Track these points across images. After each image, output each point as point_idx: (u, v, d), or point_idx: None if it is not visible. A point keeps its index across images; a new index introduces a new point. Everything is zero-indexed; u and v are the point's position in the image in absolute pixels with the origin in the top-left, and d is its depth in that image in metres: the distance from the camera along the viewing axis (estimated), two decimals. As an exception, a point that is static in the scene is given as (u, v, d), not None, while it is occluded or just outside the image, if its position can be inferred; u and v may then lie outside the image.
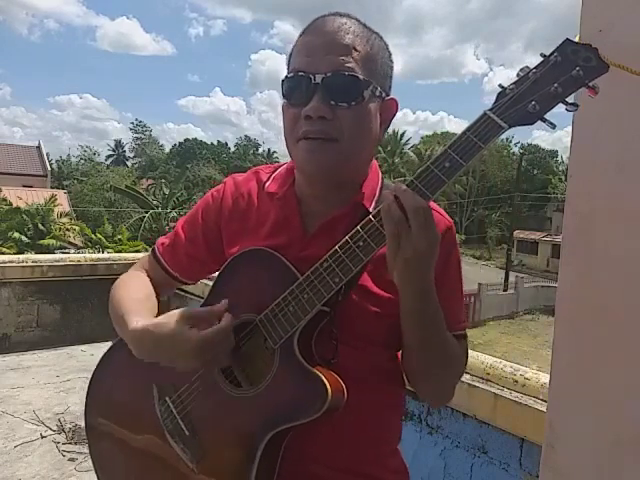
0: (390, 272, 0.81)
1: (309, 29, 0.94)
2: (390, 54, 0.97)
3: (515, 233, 31.60)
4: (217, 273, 1.02)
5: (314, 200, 0.99)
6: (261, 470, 0.87)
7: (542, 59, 0.76)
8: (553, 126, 0.76)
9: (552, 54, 0.75)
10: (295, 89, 0.91)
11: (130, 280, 1.11)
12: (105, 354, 1.14)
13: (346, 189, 0.97)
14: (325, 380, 0.84)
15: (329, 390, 0.84)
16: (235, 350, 0.93)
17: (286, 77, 0.93)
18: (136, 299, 1.04)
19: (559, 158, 48.15)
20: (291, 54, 0.96)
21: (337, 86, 0.88)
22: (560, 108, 0.76)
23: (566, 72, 0.73)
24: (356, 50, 0.90)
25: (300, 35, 0.95)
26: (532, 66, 0.76)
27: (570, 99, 0.75)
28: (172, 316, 0.90)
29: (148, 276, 1.14)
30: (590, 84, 0.73)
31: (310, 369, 0.86)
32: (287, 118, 0.94)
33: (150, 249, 1.17)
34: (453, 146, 0.77)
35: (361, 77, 0.89)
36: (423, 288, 0.83)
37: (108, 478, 1.12)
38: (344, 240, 0.84)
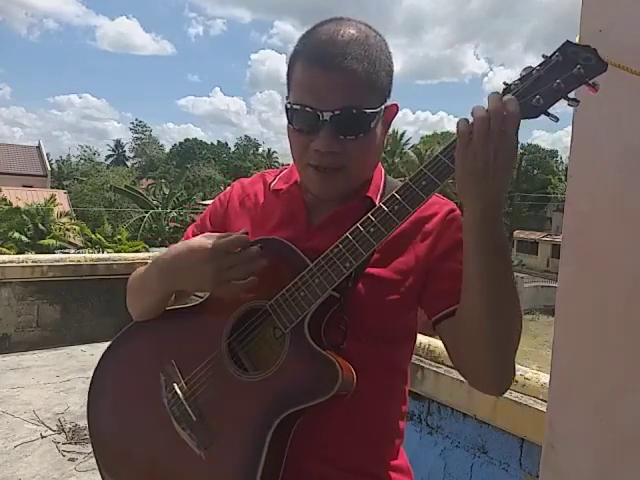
0: (456, 181, 0.80)
1: (309, 57, 0.90)
2: (390, 54, 0.97)
3: (515, 233, 31.64)
4: None
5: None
6: (270, 455, 0.87)
7: (544, 59, 0.79)
8: (556, 119, 0.78)
9: (554, 54, 0.78)
10: (302, 121, 0.91)
11: None
12: (108, 348, 1.15)
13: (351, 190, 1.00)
14: (335, 361, 0.86)
15: (340, 371, 0.85)
16: (243, 336, 0.94)
17: (292, 107, 0.91)
18: None
19: (559, 158, 48.15)
20: (290, 76, 0.94)
21: (345, 123, 0.89)
22: (562, 109, 0.79)
23: (567, 70, 0.76)
24: (360, 78, 0.88)
25: (301, 59, 0.91)
26: (534, 65, 0.79)
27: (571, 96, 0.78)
28: (191, 239, 0.96)
29: None
30: (590, 82, 0.76)
31: (321, 351, 0.87)
32: (294, 142, 0.95)
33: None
34: None
35: (368, 111, 0.89)
36: (487, 202, 0.78)
37: (113, 471, 1.11)
38: (354, 227, 0.87)
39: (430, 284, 0.96)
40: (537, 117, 0.78)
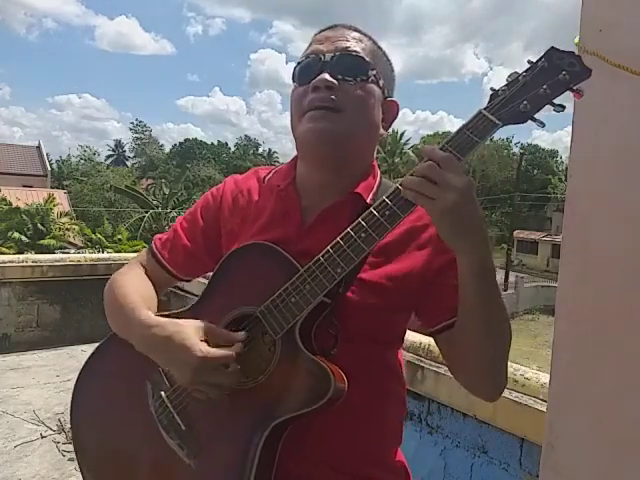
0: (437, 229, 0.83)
1: (323, 29, 1.02)
2: (393, 70, 1.05)
3: (515, 233, 31.58)
4: (216, 267, 1.01)
5: (313, 192, 1.00)
6: (261, 463, 0.86)
7: (530, 65, 0.81)
8: (542, 125, 0.81)
9: (539, 60, 0.80)
10: (305, 69, 0.98)
11: (130, 275, 1.10)
12: (91, 355, 1.12)
13: (344, 178, 0.99)
14: (327, 369, 0.85)
15: (332, 378, 0.84)
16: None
17: (298, 64, 1.00)
18: (141, 294, 1.04)
19: (559, 158, 48.12)
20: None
21: (344, 63, 0.96)
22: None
23: (553, 76, 0.78)
24: (363, 43, 0.99)
25: (313, 36, 1.03)
26: (520, 71, 0.82)
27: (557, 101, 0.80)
28: (188, 322, 0.91)
29: (145, 273, 1.13)
30: (575, 88, 0.78)
31: (313, 358, 0.86)
32: (295, 98, 0.99)
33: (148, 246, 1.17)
34: (451, 142, 0.81)
35: (367, 59, 0.97)
36: (471, 240, 0.81)
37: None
38: (345, 232, 0.86)
39: (430, 297, 0.96)
40: (524, 122, 0.80)
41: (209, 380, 0.87)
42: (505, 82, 0.82)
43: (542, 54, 0.80)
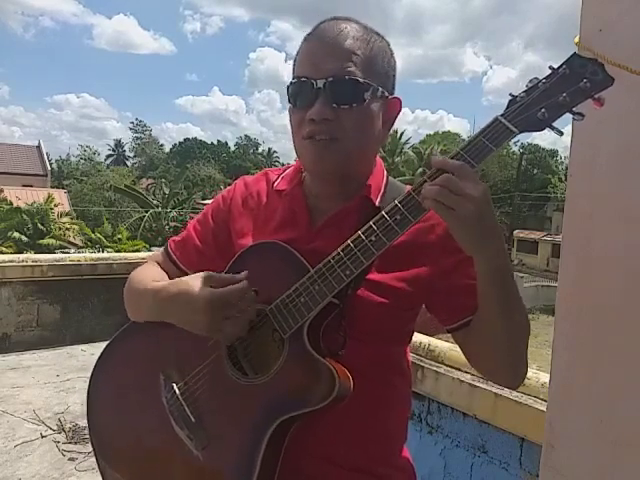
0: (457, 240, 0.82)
1: (311, 36, 0.97)
2: (392, 54, 1.01)
3: (515, 233, 31.62)
4: (230, 263, 1.03)
5: (321, 196, 1.02)
6: (266, 458, 0.88)
7: (551, 71, 0.79)
8: (560, 133, 0.79)
9: (561, 67, 0.79)
10: (299, 94, 0.95)
11: (147, 269, 1.16)
12: (107, 346, 1.15)
13: (351, 185, 1.00)
14: (333, 369, 0.86)
15: (337, 379, 0.85)
16: (242, 339, 0.95)
17: (290, 83, 0.97)
18: (157, 278, 1.10)
19: (559, 158, 48.08)
20: (295, 60, 0.99)
21: (338, 90, 0.92)
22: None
23: (574, 83, 0.77)
24: (355, 54, 0.93)
25: (303, 42, 0.98)
26: (541, 77, 0.80)
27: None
28: (193, 276, 0.95)
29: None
30: (596, 96, 0.77)
31: (319, 358, 0.88)
32: (293, 121, 0.97)
33: (162, 247, 1.23)
34: (466, 148, 0.81)
35: (361, 80, 0.92)
36: (489, 247, 0.82)
37: (112, 468, 1.12)
38: (356, 235, 0.87)
39: (444, 297, 0.98)
40: (541, 130, 0.78)
41: (227, 314, 0.89)
42: (525, 87, 0.80)
43: (564, 60, 0.79)
